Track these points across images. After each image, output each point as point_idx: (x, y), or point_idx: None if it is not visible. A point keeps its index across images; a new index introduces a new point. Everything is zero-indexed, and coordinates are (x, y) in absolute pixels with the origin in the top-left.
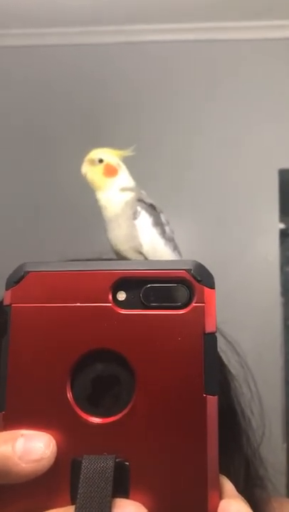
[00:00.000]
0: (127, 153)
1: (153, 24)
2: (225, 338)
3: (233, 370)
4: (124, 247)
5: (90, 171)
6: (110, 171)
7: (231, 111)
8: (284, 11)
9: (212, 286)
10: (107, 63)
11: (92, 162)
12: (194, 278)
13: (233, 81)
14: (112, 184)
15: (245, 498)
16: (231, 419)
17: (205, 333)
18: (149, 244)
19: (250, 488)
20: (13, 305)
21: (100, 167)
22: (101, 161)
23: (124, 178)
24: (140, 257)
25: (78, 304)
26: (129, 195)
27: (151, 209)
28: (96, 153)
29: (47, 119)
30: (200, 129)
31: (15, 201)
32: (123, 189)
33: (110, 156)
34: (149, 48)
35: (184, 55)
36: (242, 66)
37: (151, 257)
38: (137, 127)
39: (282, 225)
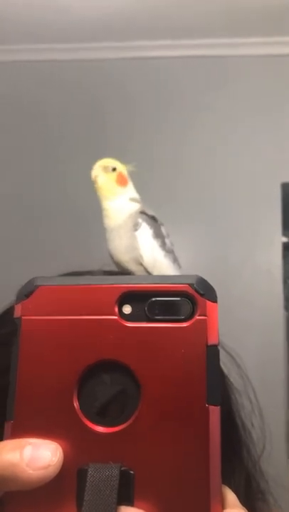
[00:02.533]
0: (131, 167)
1: (157, 40)
2: (225, 350)
3: (233, 382)
4: (124, 258)
5: (102, 176)
6: (122, 181)
7: (234, 125)
8: (285, 27)
9: (214, 300)
10: (109, 78)
11: (105, 169)
12: (197, 292)
13: (236, 95)
14: (122, 194)
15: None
16: (231, 432)
17: (208, 345)
18: (149, 255)
19: (251, 502)
20: (23, 317)
21: (114, 175)
22: (114, 169)
23: (132, 189)
24: (140, 268)
25: (85, 317)
26: (136, 207)
27: (152, 221)
28: (109, 162)
29: (53, 128)
30: (202, 142)
31: (18, 207)
32: (132, 199)
33: (119, 165)
34: (151, 63)
35: (187, 70)
36: (245, 81)
37: (151, 268)
38: (139, 140)
39: (285, 239)
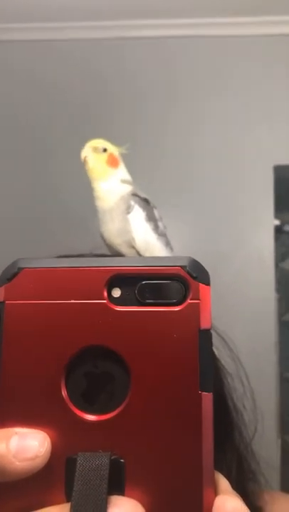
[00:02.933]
0: (123, 150)
1: (152, 19)
2: (217, 332)
3: (225, 365)
4: (117, 241)
5: (92, 157)
6: (113, 162)
7: (227, 107)
8: (280, 7)
9: (207, 283)
10: (104, 58)
11: (95, 149)
12: (189, 274)
13: (229, 77)
14: (113, 175)
15: (237, 492)
16: (224, 415)
17: (200, 330)
18: (141, 238)
19: (242, 482)
20: (6, 302)
21: (104, 156)
22: (105, 150)
23: (124, 170)
24: (133, 251)
25: (73, 301)
26: (128, 189)
27: (145, 203)
28: (99, 142)
29: (43, 113)
30: (195, 125)
31: (10, 195)
32: (123, 181)
33: (110, 146)
34: (146, 43)
35: (181, 51)
36: (237, 63)
37: (143, 252)
38: (134, 123)
39: (277, 222)
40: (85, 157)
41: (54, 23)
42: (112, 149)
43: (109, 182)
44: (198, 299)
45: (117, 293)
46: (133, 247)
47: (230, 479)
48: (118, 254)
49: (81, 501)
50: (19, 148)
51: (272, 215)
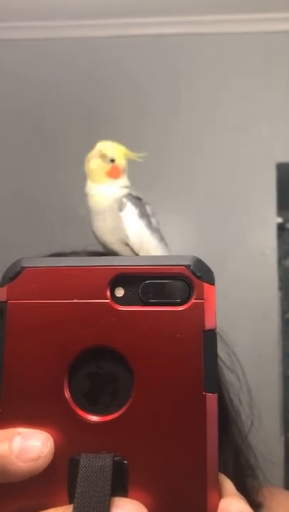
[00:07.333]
0: (135, 157)
1: (155, 17)
2: None
3: (221, 361)
4: (109, 239)
5: (96, 162)
6: (115, 173)
7: (229, 104)
8: (283, 4)
9: (212, 282)
10: (105, 57)
11: (103, 157)
12: (194, 274)
13: (231, 75)
14: (110, 184)
15: (236, 487)
16: (221, 411)
17: (204, 330)
18: (135, 235)
19: (241, 478)
20: (9, 301)
21: (108, 166)
22: (112, 161)
23: (124, 179)
24: (126, 249)
25: (75, 301)
26: (121, 192)
27: (137, 200)
28: (110, 151)
29: (41, 111)
30: (197, 122)
31: (8, 190)
32: (120, 187)
33: (121, 157)
34: (148, 41)
35: (183, 49)
36: (240, 60)
37: (137, 249)
38: (134, 120)
39: (279, 219)
40: (88, 161)
41: (54, 22)
42: (120, 161)
43: (105, 187)
44: (203, 299)
45: (120, 292)
46: (126, 245)
47: (227, 474)
48: (111, 252)
49: (84, 502)
50: (17, 146)
51: (274, 213)
